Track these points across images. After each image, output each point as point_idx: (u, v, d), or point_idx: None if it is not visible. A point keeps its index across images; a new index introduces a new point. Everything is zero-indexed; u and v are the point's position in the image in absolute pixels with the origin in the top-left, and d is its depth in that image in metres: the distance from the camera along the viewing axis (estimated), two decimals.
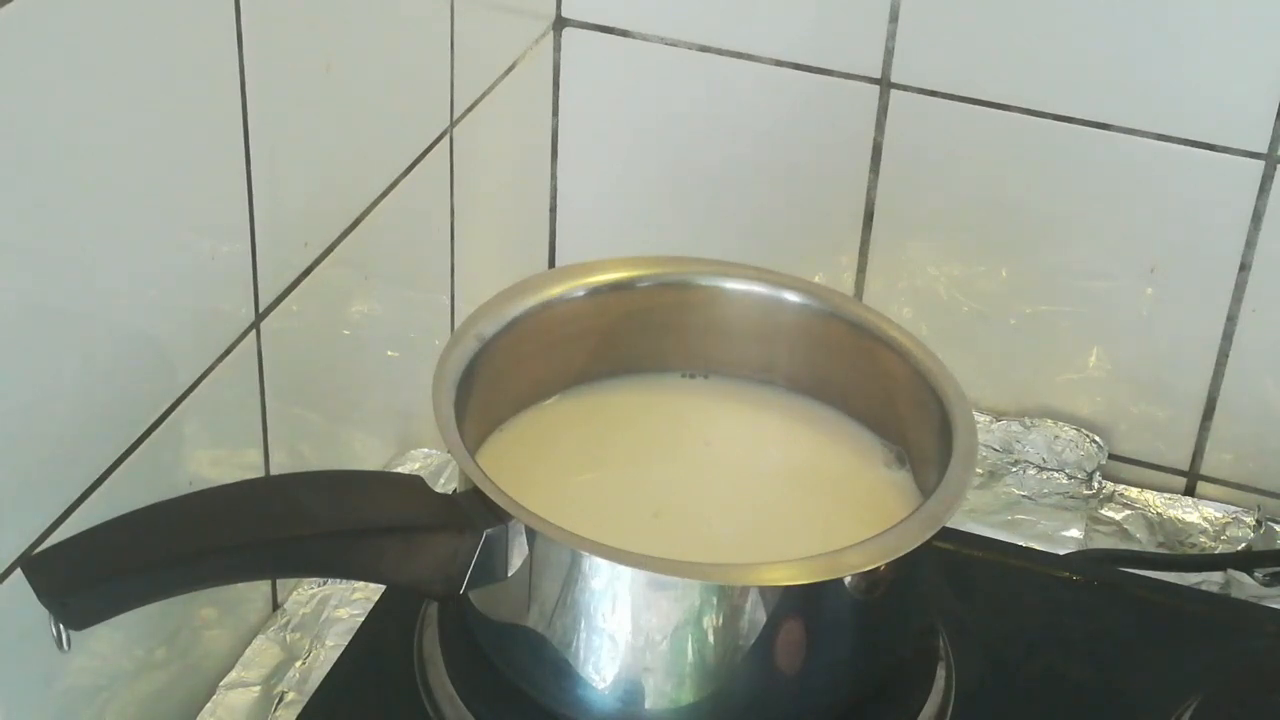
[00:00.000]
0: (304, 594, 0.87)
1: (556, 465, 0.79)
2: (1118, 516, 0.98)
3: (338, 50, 0.80)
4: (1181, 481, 1.02)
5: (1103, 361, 1.01)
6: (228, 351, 0.77)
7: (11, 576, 0.64)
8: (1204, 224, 0.96)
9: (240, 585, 0.81)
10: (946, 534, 0.72)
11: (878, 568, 0.69)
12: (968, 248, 1.01)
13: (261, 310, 0.79)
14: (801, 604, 0.70)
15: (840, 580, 0.69)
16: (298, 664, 0.83)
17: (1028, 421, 1.02)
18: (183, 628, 0.79)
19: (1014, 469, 1.00)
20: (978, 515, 0.96)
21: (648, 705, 0.71)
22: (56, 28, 0.61)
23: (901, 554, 0.68)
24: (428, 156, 0.91)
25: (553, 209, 1.10)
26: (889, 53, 0.97)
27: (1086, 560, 0.92)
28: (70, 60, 0.62)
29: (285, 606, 0.86)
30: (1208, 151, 0.93)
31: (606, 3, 1.02)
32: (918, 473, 0.79)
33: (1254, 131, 0.92)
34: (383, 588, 0.82)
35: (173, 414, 0.73)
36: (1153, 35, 0.92)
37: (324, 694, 0.79)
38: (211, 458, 0.77)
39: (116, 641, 0.73)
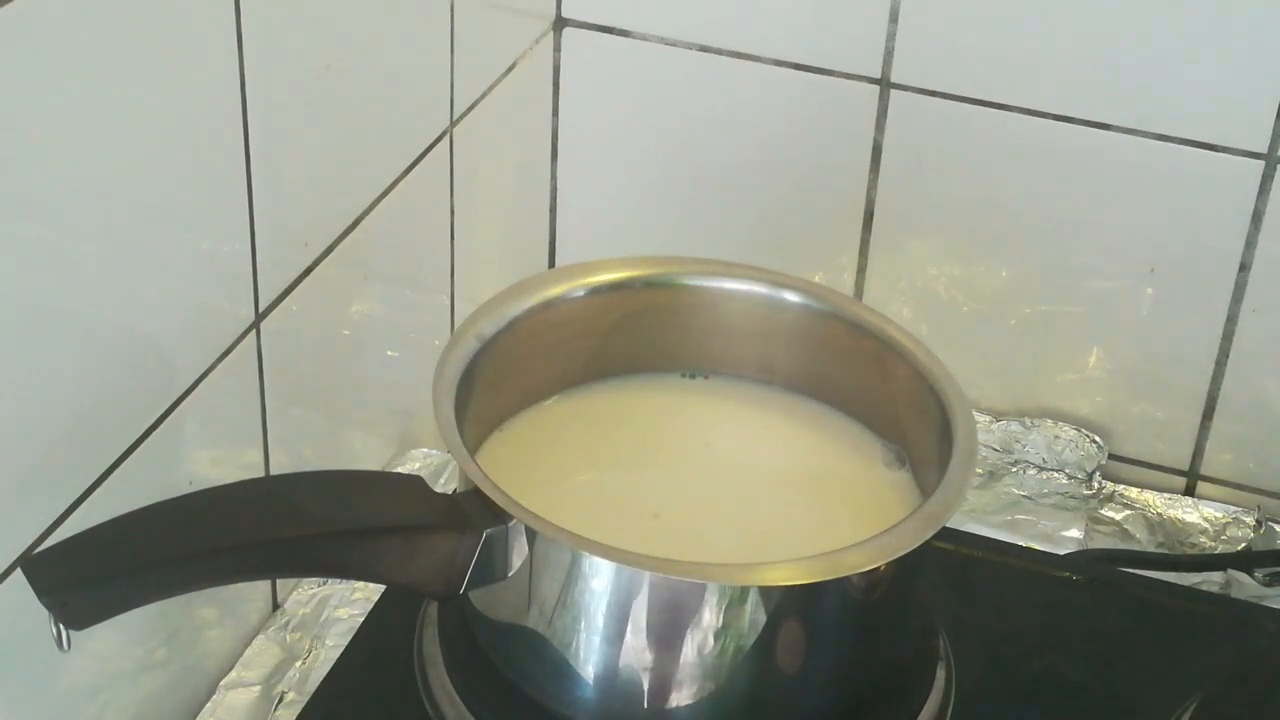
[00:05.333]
0: (304, 594, 0.87)
1: (556, 465, 0.79)
2: (1118, 516, 0.98)
3: (338, 50, 0.80)
4: (1181, 481, 1.02)
5: (1103, 361, 1.01)
6: (228, 351, 0.77)
7: (11, 576, 0.64)
8: (1204, 224, 0.96)
9: (240, 585, 0.81)
10: (946, 534, 0.72)
11: (878, 568, 0.69)
12: (968, 248, 1.01)
13: (261, 310, 0.79)
14: (801, 604, 0.70)
15: (840, 580, 0.69)
16: (298, 664, 0.83)
17: (1028, 421, 1.02)
18: (183, 628, 0.79)
19: (1014, 469, 1.00)
20: (978, 515, 0.96)
21: (648, 705, 0.71)
22: (56, 27, 0.61)
23: (901, 554, 0.68)
24: (428, 156, 0.91)
25: (553, 209, 1.10)
26: (889, 53, 0.97)
27: (1086, 560, 0.92)
28: (70, 60, 0.62)
29: (285, 606, 0.86)
30: (1208, 151, 0.93)
31: (606, 3, 1.02)
32: (918, 473, 0.79)
33: (1254, 131, 0.92)
34: (383, 588, 0.82)
35: (173, 414, 0.73)
36: (1153, 35, 0.92)
37: (324, 694, 0.79)
38: (211, 458, 0.77)
39: (116, 641, 0.73)
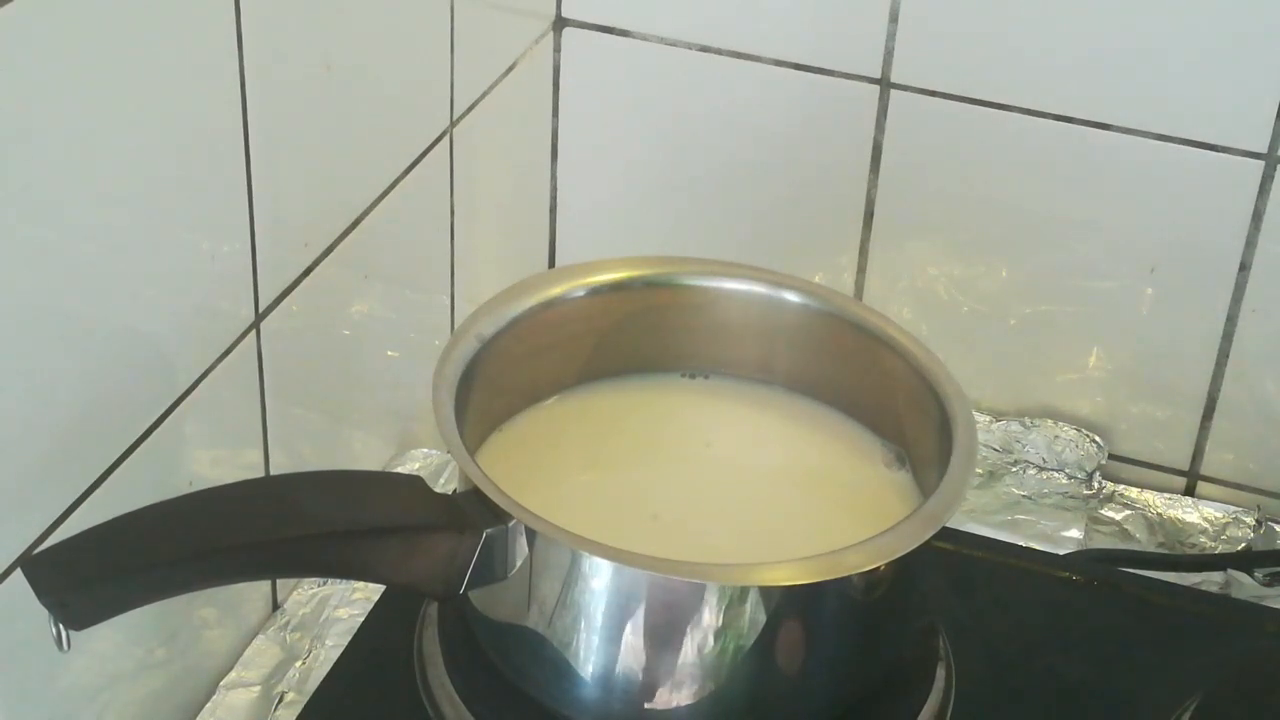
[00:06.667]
0: (304, 594, 0.87)
1: (556, 465, 0.79)
2: (1118, 516, 0.98)
3: (338, 50, 0.80)
4: (1181, 481, 1.02)
5: (1103, 361, 1.01)
6: (228, 351, 0.77)
7: (11, 576, 0.64)
8: (1204, 224, 0.96)
9: (240, 585, 0.81)
10: (946, 534, 0.72)
11: (878, 568, 0.69)
12: (968, 248, 1.01)
13: (261, 310, 0.79)
14: (801, 604, 0.70)
15: (840, 580, 0.69)
16: (298, 664, 0.83)
17: (1028, 421, 1.02)
18: (183, 628, 0.79)
19: (1014, 469, 1.00)
20: (978, 515, 0.96)
21: (648, 705, 0.71)
22: (57, 28, 0.61)
23: (901, 554, 0.68)
24: (428, 156, 0.91)
25: (553, 209, 1.10)
26: (889, 53, 0.97)
27: (1086, 560, 0.92)
28: (70, 60, 0.62)
29: (285, 606, 0.86)
30: (1208, 151, 0.93)
31: (606, 3, 1.02)
32: (918, 473, 0.79)
33: (1254, 131, 0.92)
34: (383, 588, 0.82)
35: (173, 414, 0.73)
36: (1153, 35, 0.92)
37: (324, 694, 0.79)
38: (211, 458, 0.77)
39: (116, 641, 0.73)
